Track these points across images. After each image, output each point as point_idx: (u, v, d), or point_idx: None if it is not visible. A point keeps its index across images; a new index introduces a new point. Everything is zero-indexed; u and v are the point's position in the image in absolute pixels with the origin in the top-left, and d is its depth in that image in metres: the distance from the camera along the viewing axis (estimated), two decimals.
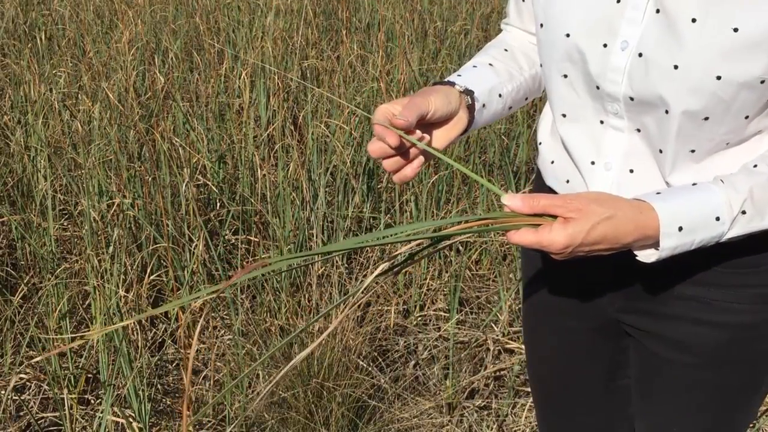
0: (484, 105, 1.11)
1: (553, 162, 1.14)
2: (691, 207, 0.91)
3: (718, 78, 0.90)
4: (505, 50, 1.20)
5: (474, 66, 1.15)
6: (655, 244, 0.92)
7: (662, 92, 0.94)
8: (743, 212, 0.91)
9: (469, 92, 1.08)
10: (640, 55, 0.95)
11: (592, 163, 1.06)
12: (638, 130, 1.01)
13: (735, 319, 1.06)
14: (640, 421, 1.24)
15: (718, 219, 0.91)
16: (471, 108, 1.08)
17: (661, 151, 0.99)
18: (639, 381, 1.21)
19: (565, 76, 1.04)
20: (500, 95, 1.14)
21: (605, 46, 0.98)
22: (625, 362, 1.23)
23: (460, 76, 1.12)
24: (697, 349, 1.09)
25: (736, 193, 0.91)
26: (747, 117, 0.93)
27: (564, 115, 1.08)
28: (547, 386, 1.33)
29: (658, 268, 1.06)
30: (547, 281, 1.23)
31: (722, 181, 0.93)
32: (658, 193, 0.93)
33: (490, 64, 1.16)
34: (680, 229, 0.90)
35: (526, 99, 1.21)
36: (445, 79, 1.10)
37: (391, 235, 0.90)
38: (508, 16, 1.25)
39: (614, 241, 0.90)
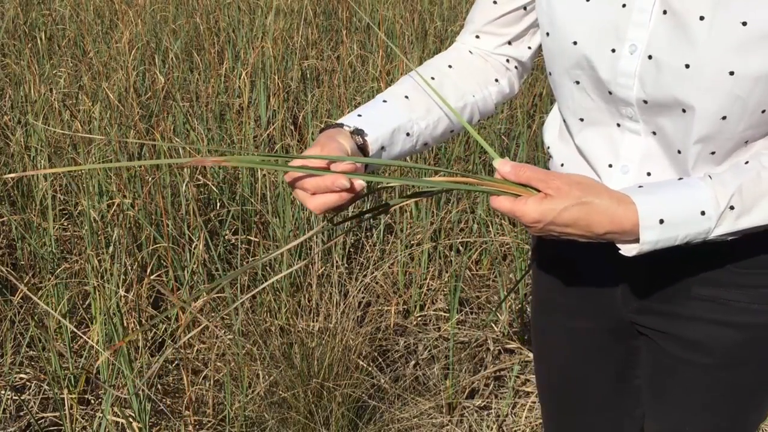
0: (383, 147, 1.05)
1: (563, 165, 1.14)
2: (673, 200, 0.90)
3: (732, 74, 0.89)
4: (432, 78, 1.12)
5: (384, 101, 1.08)
6: (637, 239, 0.91)
7: (676, 93, 0.93)
8: (731, 207, 0.90)
9: (359, 132, 1.02)
10: (650, 57, 0.95)
11: (610, 166, 1.06)
12: (654, 133, 1.00)
13: (752, 320, 1.06)
14: (652, 421, 1.23)
15: (703, 213, 0.90)
16: (363, 148, 1.02)
17: (679, 152, 0.98)
18: (652, 381, 1.20)
19: (578, 82, 1.04)
20: (408, 134, 1.07)
21: (613, 51, 0.98)
22: (636, 362, 1.22)
23: (360, 116, 1.05)
24: (713, 350, 1.09)
25: (724, 188, 0.90)
26: (764, 111, 0.92)
27: (582, 120, 1.07)
28: (556, 386, 1.32)
29: (674, 268, 1.06)
30: (558, 282, 1.23)
31: (710, 177, 0.92)
32: (640, 186, 0.93)
33: (406, 97, 1.09)
34: (661, 221, 0.89)
35: (452, 132, 1.14)
36: (339, 121, 1.04)
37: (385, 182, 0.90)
38: (467, 23, 1.20)
39: (586, 228, 0.90)
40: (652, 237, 0.90)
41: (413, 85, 1.12)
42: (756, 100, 0.91)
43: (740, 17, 0.88)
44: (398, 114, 1.07)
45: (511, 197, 0.91)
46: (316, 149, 0.94)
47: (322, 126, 1.10)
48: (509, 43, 1.18)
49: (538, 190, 0.91)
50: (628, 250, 0.93)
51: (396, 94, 1.10)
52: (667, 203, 0.90)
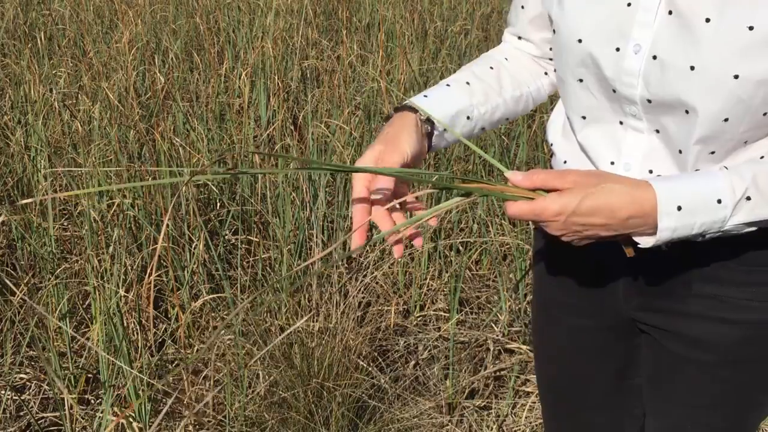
0: (445, 130, 1.10)
1: (565, 162, 1.14)
2: (691, 188, 0.90)
3: (736, 77, 0.90)
4: (491, 68, 1.19)
5: (447, 84, 1.14)
6: (654, 228, 0.91)
7: (680, 94, 0.94)
8: (748, 198, 0.90)
9: (429, 122, 1.08)
10: (655, 57, 0.95)
11: (612, 163, 1.06)
12: (657, 131, 1.01)
13: (753, 317, 1.06)
14: (653, 418, 1.23)
15: (719, 202, 0.90)
16: (429, 135, 1.08)
17: (680, 152, 0.99)
18: (653, 378, 1.20)
19: (581, 80, 1.05)
20: (468, 117, 1.13)
21: (618, 50, 0.98)
22: (637, 361, 1.23)
23: (426, 97, 1.10)
24: (714, 347, 1.09)
25: (740, 179, 0.91)
26: (765, 114, 0.93)
27: (584, 117, 1.08)
28: (557, 385, 1.32)
29: (675, 266, 1.06)
30: (560, 280, 1.23)
31: (726, 167, 0.93)
32: (658, 175, 0.94)
33: (467, 83, 1.15)
34: (679, 208, 0.89)
35: (507, 119, 1.21)
36: (408, 102, 1.09)
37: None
38: (507, 23, 1.25)
39: (609, 215, 0.89)
40: (670, 224, 0.90)
41: (475, 71, 1.17)
42: (758, 103, 0.91)
43: (747, 21, 0.88)
44: (461, 98, 1.12)
45: (527, 200, 0.92)
46: (379, 148, 1.00)
47: (397, 105, 1.16)
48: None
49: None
50: (646, 241, 0.93)
51: (458, 80, 1.15)
52: (684, 190, 0.90)
